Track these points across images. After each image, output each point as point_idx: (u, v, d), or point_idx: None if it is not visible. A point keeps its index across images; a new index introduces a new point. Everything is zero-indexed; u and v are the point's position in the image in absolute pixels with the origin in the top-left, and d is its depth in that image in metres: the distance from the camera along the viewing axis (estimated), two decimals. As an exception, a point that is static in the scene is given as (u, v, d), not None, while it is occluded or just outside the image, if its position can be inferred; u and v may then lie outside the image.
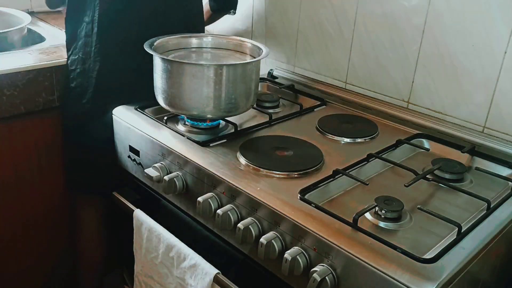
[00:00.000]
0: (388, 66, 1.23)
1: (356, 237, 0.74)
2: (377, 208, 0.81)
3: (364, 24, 1.26)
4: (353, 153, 1.02)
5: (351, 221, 0.77)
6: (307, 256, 0.77)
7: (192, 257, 0.95)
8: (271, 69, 1.50)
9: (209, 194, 0.92)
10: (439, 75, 1.14)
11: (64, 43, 1.25)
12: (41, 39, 1.46)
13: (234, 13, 1.49)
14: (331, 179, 0.90)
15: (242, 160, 0.96)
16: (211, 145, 1.03)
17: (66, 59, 1.24)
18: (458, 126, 1.12)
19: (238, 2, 1.46)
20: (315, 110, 1.26)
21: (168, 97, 1.05)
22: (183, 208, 1.02)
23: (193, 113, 1.05)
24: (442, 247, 0.73)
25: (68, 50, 1.23)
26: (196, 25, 1.32)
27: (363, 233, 0.75)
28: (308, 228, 0.76)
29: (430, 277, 0.66)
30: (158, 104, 1.14)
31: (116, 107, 1.18)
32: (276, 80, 1.45)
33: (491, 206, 0.84)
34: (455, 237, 0.76)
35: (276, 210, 0.81)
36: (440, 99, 1.15)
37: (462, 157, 1.03)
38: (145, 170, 1.02)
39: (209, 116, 1.05)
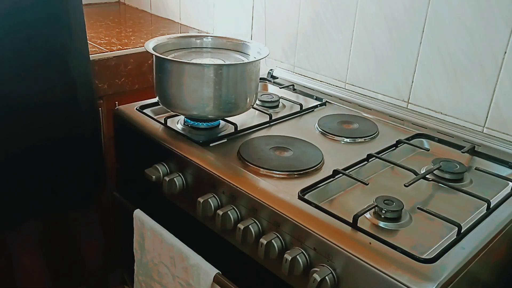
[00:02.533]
0: (388, 66, 1.24)
1: (356, 237, 0.74)
2: (377, 208, 0.81)
3: (364, 24, 1.26)
4: (353, 153, 1.02)
5: (351, 221, 0.77)
6: (307, 256, 0.77)
7: (192, 257, 0.95)
8: (271, 69, 1.50)
9: (209, 194, 0.92)
10: (439, 75, 1.14)
11: None
12: None
13: None
14: (331, 179, 0.90)
15: (242, 160, 0.96)
16: (211, 145, 1.03)
17: None
18: (458, 126, 1.12)
19: (239, 2, 1.45)
20: (315, 110, 1.26)
21: (168, 97, 1.05)
22: (183, 208, 1.02)
23: (193, 113, 1.05)
24: (442, 247, 0.73)
25: None
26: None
27: (363, 233, 0.75)
28: (308, 228, 0.76)
29: (430, 277, 0.66)
30: (158, 104, 1.15)
31: None
32: (276, 80, 1.45)
33: (491, 206, 0.84)
34: (455, 237, 0.76)
35: (276, 210, 0.81)
36: (440, 99, 1.15)
37: (462, 157, 1.03)
38: (145, 170, 1.02)
39: (209, 116, 1.05)
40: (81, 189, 1.25)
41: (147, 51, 1.05)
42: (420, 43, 1.16)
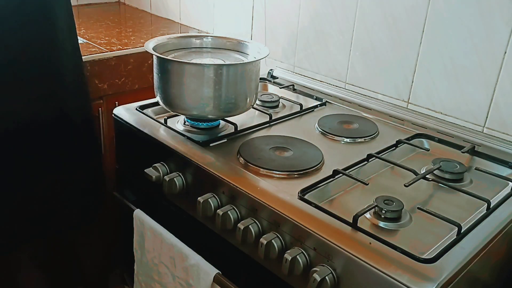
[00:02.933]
0: (388, 66, 1.24)
1: (356, 237, 0.74)
2: (377, 208, 0.81)
3: (364, 24, 1.26)
4: (353, 153, 1.02)
5: (351, 221, 0.77)
6: (307, 256, 0.77)
7: (192, 257, 0.95)
8: (271, 69, 1.50)
9: (209, 194, 0.92)
10: (439, 75, 1.14)
11: None
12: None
13: None
14: (331, 179, 0.90)
15: (242, 160, 0.96)
16: (211, 145, 1.03)
17: None
18: (458, 126, 1.12)
19: (239, 2, 1.45)
20: (315, 110, 1.26)
21: (168, 97, 1.05)
22: (183, 208, 1.02)
23: (193, 113, 1.05)
24: (442, 247, 0.73)
25: None
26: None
27: (363, 233, 0.75)
28: (308, 228, 0.76)
29: (430, 277, 0.66)
30: (158, 104, 1.15)
31: None
32: (276, 80, 1.45)
33: (491, 206, 0.84)
34: (455, 237, 0.76)
35: (276, 210, 0.81)
36: (440, 99, 1.15)
37: (462, 157, 1.03)
38: (145, 170, 1.02)
39: (209, 116, 1.05)
40: (80, 205, 1.23)
41: (147, 51, 1.05)
42: (420, 43, 1.16)
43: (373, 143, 1.09)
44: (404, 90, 1.22)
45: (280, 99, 1.29)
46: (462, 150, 1.04)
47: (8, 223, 1.14)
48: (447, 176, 0.95)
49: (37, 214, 1.16)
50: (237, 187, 0.87)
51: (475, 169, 1.00)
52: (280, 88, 1.37)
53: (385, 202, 0.82)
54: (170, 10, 1.92)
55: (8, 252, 1.21)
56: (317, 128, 1.14)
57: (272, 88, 1.41)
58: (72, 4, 1.18)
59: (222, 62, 1.10)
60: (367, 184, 0.88)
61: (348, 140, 1.09)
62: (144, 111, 1.16)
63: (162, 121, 1.10)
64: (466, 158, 1.04)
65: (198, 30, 1.80)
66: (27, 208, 1.14)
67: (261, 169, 0.93)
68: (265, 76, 1.47)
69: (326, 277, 0.73)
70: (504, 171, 0.99)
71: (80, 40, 1.44)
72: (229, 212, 0.87)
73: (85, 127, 1.22)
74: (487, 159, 1.03)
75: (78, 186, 1.22)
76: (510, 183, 0.94)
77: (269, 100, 1.26)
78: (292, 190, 0.86)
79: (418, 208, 0.83)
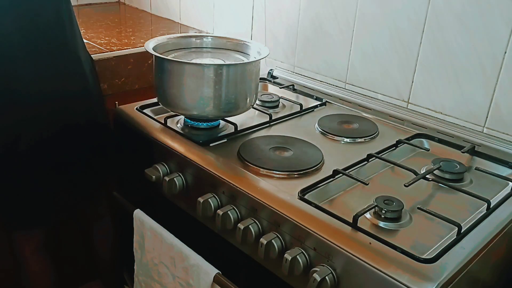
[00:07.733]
0: (388, 66, 1.23)
1: (356, 237, 0.74)
2: (377, 208, 0.81)
3: (364, 24, 1.26)
4: (353, 153, 1.02)
5: (351, 221, 0.77)
6: (307, 256, 0.77)
7: (192, 257, 0.95)
8: (271, 69, 1.50)
9: (209, 194, 0.92)
10: (439, 75, 1.14)
11: None
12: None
13: None
14: (331, 179, 0.90)
15: (242, 160, 0.96)
16: (211, 145, 1.03)
17: None
18: (458, 126, 1.12)
19: (239, 2, 1.45)
20: (315, 110, 1.26)
21: (168, 97, 1.05)
22: (183, 208, 1.02)
23: (193, 113, 1.05)
24: (442, 247, 0.73)
25: None
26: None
27: (363, 233, 0.75)
28: (308, 228, 0.76)
29: (430, 277, 0.66)
30: (158, 104, 1.15)
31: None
32: (276, 80, 1.45)
33: (491, 206, 0.84)
34: (455, 237, 0.76)
35: (276, 210, 0.81)
36: (440, 99, 1.15)
37: (462, 157, 1.03)
38: (145, 170, 1.02)
39: (209, 116, 1.05)
40: (93, 179, 1.24)
41: (147, 51, 1.05)
42: (420, 43, 1.16)
43: (373, 143, 1.09)
44: (404, 90, 1.22)
45: (280, 99, 1.29)
46: (462, 150, 1.04)
47: (23, 202, 1.15)
48: (447, 176, 0.95)
49: (51, 186, 1.17)
50: (237, 187, 0.87)
51: (475, 169, 1.00)
52: (280, 88, 1.37)
53: (385, 202, 0.82)
54: (170, 10, 1.92)
55: (17, 228, 1.21)
56: (317, 128, 1.14)
57: (272, 88, 1.41)
58: (72, 4, 1.18)
59: (222, 62, 1.10)
60: (367, 184, 0.88)
61: (348, 140, 1.10)
62: (144, 111, 1.16)
63: (162, 121, 1.10)
64: (466, 158, 1.04)
65: (198, 30, 1.80)
66: (41, 183, 1.15)
67: (261, 169, 0.93)
68: (265, 76, 1.47)
69: (326, 277, 0.73)
70: (504, 171, 0.99)
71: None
72: (229, 212, 0.87)
73: (101, 102, 1.24)
74: (487, 159, 1.03)
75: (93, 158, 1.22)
76: (510, 183, 0.94)
77: (269, 100, 1.26)
78: (292, 190, 0.86)
79: (418, 208, 0.83)
